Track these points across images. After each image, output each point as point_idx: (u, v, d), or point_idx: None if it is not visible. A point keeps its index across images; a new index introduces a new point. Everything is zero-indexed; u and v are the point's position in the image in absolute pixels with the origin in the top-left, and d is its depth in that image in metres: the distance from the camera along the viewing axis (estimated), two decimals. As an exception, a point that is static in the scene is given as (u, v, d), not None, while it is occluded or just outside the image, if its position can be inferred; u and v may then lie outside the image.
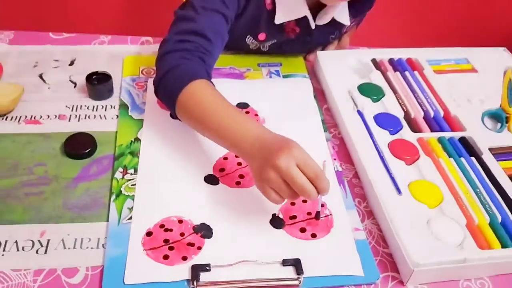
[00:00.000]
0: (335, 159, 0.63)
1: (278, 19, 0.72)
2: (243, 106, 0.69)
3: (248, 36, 0.76)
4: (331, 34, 0.80)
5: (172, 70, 0.60)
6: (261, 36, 0.75)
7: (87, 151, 0.61)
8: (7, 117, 0.65)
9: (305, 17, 0.72)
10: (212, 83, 0.60)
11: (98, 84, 0.68)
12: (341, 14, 0.75)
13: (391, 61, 0.79)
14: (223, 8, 0.66)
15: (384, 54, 0.80)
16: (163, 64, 0.61)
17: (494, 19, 1.59)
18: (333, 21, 0.75)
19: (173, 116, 0.63)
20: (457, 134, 0.66)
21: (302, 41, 0.77)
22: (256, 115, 0.68)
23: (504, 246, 0.52)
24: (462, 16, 1.59)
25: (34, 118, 0.65)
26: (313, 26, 0.74)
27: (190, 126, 0.61)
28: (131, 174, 0.58)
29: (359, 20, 0.86)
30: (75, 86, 0.71)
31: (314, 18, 0.74)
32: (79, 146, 0.61)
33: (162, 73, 0.60)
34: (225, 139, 0.55)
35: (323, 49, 0.82)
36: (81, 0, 1.26)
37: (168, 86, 0.60)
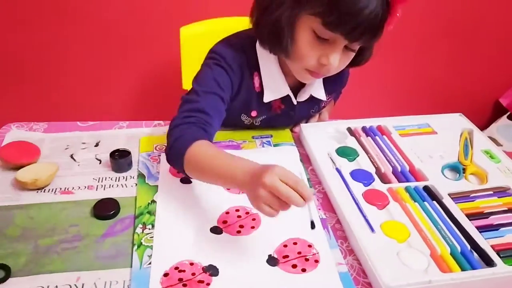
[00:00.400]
0: (319, 209, 0.75)
1: (266, 99, 0.88)
2: (240, 170, 0.83)
3: (243, 114, 0.92)
4: (311, 108, 0.96)
5: (179, 138, 0.74)
6: (253, 113, 0.91)
7: (112, 212, 0.73)
8: (45, 190, 0.78)
9: (288, 95, 0.89)
10: (211, 143, 0.74)
11: (120, 158, 0.82)
12: (318, 91, 0.92)
13: (363, 128, 0.93)
14: (219, 91, 0.81)
15: (358, 123, 0.95)
16: (172, 134, 0.76)
17: (452, 89, 1.80)
18: (312, 97, 0.91)
19: (183, 177, 0.76)
20: (421, 184, 0.78)
21: (287, 115, 0.93)
22: (252, 177, 0.81)
23: (463, 270, 0.63)
24: (424, 87, 1.79)
25: (67, 189, 0.78)
26: (295, 103, 0.90)
27: (196, 178, 0.74)
28: (149, 229, 0.70)
29: (336, 96, 1.03)
30: (100, 163, 0.85)
31: (296, 96, 0.90)
32: (105, 209, 0.73)
33: (172, 141, 0.75)
34: (224, 181, 0.69)
35: (306, 122, 0.97)
36: (102, 94, 1.46)
37: (176, 150, 0.73)
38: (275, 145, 0.91)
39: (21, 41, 1.52)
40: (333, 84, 0.94)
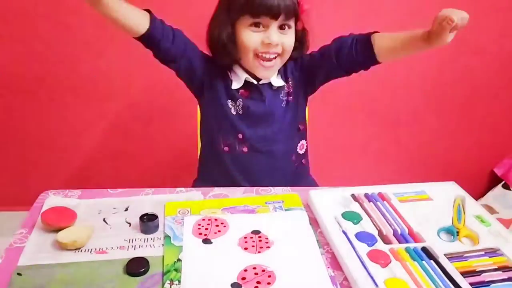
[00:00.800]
0: (328, 268, 0.84)
1: (234, 86, 1.16)
2: (256, 232, 0.92)
3: (227, 100, 1.17)
4: (279, 94, 1.19)
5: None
6: (232, 97, 1.16)
7: (142, 270, 0.82)
8: (82, 250, 0.87)
9: (248, 82, 1.15)
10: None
11: (148, 221, 0.92)
12: (274, 80, 1.18)
13: (366, 195, 1.04)
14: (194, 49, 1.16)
15: (361, 190, 1.05)
16: None
17: (450, 160, 1.92)
18: (276, 87, 1.18)
19: (204, 238, 0.86)
20: (419, 245, 0.87)
21: (259, 100, 1.16)
22: (267, 238, 0.91)
23: (459, 322, 0.70)
24: (422, 158, 1.92)
25: (102, 249, 0.87)
26: (254, 82, 1.16)
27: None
28: (176, 284, 0.78)
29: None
30: (130, 225, 0.94)
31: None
32: (137, 267, 0.82)
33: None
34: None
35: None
36: (131, 164, 1.61)
37: None
38: (286, 210, 1.01)
39: (50, 119, 1.68)
40: (285, 72, 1.20)
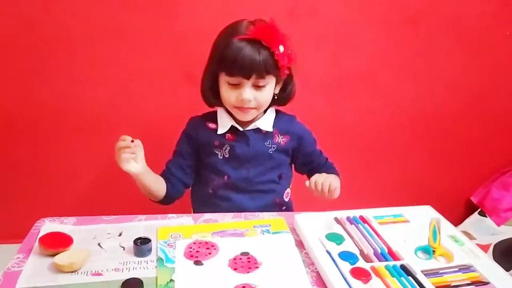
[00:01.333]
0: (313, 285, 0.89)
1: (220, 131, 1.25)
2: (245, 254, 0.97)
3: (213, 149, 1.25)
4: (265, 141, 1.26)
5: None
6: (216, 143, 1.25)
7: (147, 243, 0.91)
8: (78, 272, 0.90)
9: (235, 128, 1.23)
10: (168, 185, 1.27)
11: (141, 245, 0.96)
12: (263, 123, 1.25)
13: (348, 218, 1.10)
14: (182, 150, 1.30)
15: (343, 214, 1.11)
16: None
17: (428, 188, 2.00)
18: (263, 131, 1.25)
19: (195, 260, 0.91)
20: (398, 262, 0.93)
21: (244, 144, 1.23)
22: (255, 259, 0.95)
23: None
24: (401, 186, 2.00)
25: (97, 271, 0.91)
26: (240, 129, 1.23)
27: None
28: (170, 303, 0.83)
29: (329, 166, 1.36)
30: (124, 249, 0.98)
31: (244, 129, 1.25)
32: (132, 287, 0.86)
33: None
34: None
35: (308, 175, 1.31)
36: (123, 193, 1.65)
37: None
38: (273, 233, 1.06)
39: (47, 150, 1.74)
40: (285, 126, 1.29)
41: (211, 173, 1.29)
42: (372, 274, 0.89)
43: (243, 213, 1.15)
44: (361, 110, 1.89)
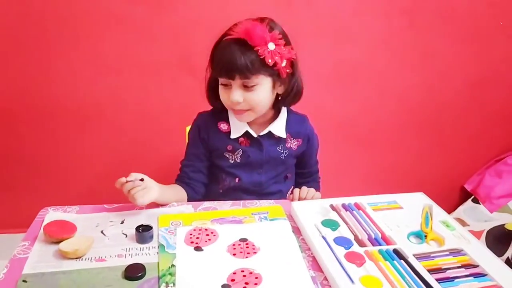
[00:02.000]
0: (310, 269, 0.92)
1: (233, 135, 1.24)
2: (244, 240, 1.00)
3: (225, 152, 1.25)
4: (277, 146, 1.27)
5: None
6: (229, 147, 1.24)
7: (140, 274, 0.89)
8: (82, 258, 0.94)
9: (249, 132, 1.23)
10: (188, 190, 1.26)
11: (143, 231, 0.99)
12: (276, 129, 1.25)
13: (343, 205, 1.13)
14: (195, 149, 1.28)
15: (338, 201, 1.14)
16: None
17: (423, 176, 2.04)
18: (276, 137, 1.26)
19: (196, 246, 0.95)
20: (391, 247, 0.97)
21: (257, 149, 1.23)
22: (253, 245, 0.99)
23: (426, 311, 0.79)
24: (397, 175, 2.04)
25: (101, 257, 0.94)
26: (254, 135, 1.23)
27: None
28: (171, 286, 0.86)
29: (315, 179, 1.33)
30: (126, 236, 1.02)
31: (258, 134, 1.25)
32: (134, 272, 0.89)
33: None
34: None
35: (296, 186, 1.27)
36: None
37: None
38: (271, 220, 1.09)
39: (49, 142, 1.76)
40: (297, 129, 1.29)
41: (222, 173, 1.29)
42: (366, 258, 0.92)
43: (241, 201, 1.18)
44: (358, 100, 1.92)
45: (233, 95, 1.13)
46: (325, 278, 0.90)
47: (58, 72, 1.68)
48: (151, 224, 1.02)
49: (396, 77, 1.91)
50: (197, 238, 1.01)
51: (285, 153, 1.28)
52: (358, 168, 2.03)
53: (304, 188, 1.23)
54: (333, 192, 1.24)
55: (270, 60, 1.09)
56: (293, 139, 1.29)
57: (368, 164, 2.04)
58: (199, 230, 1.04)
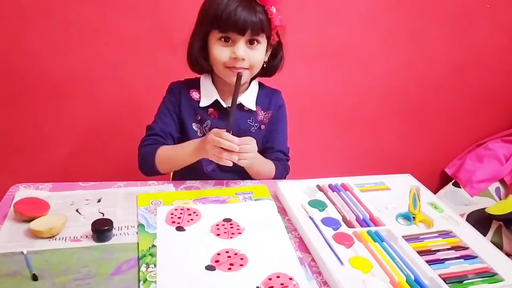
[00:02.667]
0: (297, 250, 0.89)
1: (202, 103, 1.19)
2: (227, 220, 0.96)
3: (193, 124, 1.20)
4: (248, 119, 1.22)
5: (146, 153, 1.15)
6: (198, 117, 1.20)
7: (106, 228, 0.88)
8: (56, 238, 0.88)
9: (219, 103, 1.18)
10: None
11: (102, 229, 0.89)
12: (247, 100, 1.21)
13: (330, 185, 1.10)
14: (168, 113, 1.20)
15: (325, 181, 1.11)
16: (140, 153, 1.17)
17: (404, 160, 2.04)
18: (246, 109, 1.21)
19: (177, 226, 0.89)
20: (379, 228, 0.94)
21: (226, 122, 1.13)
22: (238, 225, 0.95)
23: (416, 293, 0.77)
24: (379, 159, 2.03)
25: (76, 237, 0.89)
26: (224, 106, 1.19)
27: (169, 168, 1.15)
28: (152, 267, 0.81)
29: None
30: (103, 216, 0.96)
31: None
32: (102, 225, 0.88)
33: (141, 157, 1.16)
34: (189, 154, 1.09)
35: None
36: (101, 156, 1.62)
37: (147, 160, 1.14)
38: (255, 200, 1.05)
39: (20, 116, 1.67)
40: (267, 102, 1.25)
41: None
42: (355, 239, 0.90)
43: (224, 181, 1.13)
44: (342, 80, 1.88)
45: (239, 50, 1.08)
46: (313, 260, 0.87)
47: (29, 44, 1.59)
48: (128, 204, 0.96)
49: (380, 58, 1.88)
50: (179, 218, 0.96)
51: (256, 126, 1.23)
52: (338, 149, 2.01)
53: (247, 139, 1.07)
54: (315, 172, 1.21)
55: (277, 23, 1.09)
56: (263, 112, 1.24)
57: (349, 145, 2.02)
58: (181, 209, 0.99)
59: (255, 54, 1.11)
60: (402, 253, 0.87)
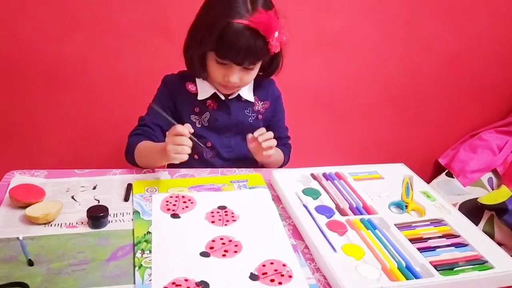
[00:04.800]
0: (290, 238, 0.90)
1: (200, 97, 1.18)
2: (222, 207, 0.97)
3: (191, 115, 1.19)
4: (245, 109, 1.22)
5: (128, 146, 1.15)
6: (196, 109, 1.19)
7: (102, 214, 0.88)
8: (51, 224, 0.88)
9: (217, 95, 1.18)
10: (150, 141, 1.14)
11: (98, 215, 0.89)
12: (245, 93, 1.21)
13: (324, 174, 1.11)
14: (161, 101, 1.19)
15: (319, 170, 1.12)
16: (128, 142, 1.16)
17: (398, 150, 2.05)
18: (244, 100, 1.21)
19: (172, 213, 0.91)
20: (372, 216, 0.95)
21: (225, 113, 1.19)
22: (232, 213, 0.96)
23: (408, 279, 0.78)
24: (373, 149, 2.04)
25: (71, 224, 0.89)
26: (222, 98, 1.19)
27: (146, 166, 1.12)
28: (147, 254, 0.82)
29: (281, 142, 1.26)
30: (98, 202, 0.97)
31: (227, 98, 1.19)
32: (97, 211, 0.88)
33: (125, 149, 1.15)
34: (157, 159, 1.06)
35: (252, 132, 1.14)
36: (97, 144, 1.61)
37: (129, 154, 1.14)
38: (250, 188, 1.06)
39: (15, 103, 1.67)
40: (264, 92, 1.26)
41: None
42: (348, 227, 0.91)
43: (219, 169, 1.14)
44: (337, 71, 1.89)
45: (233, 77, 1.09)
46: (306, 247, 0.88)
47: (24, 32, 1.58)
48: (123, 192, 0.97)
49: (375, 49, 1.88)
50: (174, 205, 0.97)
51: (253, 116, 1.24)
52: (334, 139, 2.02)
53: (268, 133, 1.11)
54: (309, 162, 1.21)
55: (276, 50, 1.06)
56: (261, 102, 1.25)
57: (344, 135, 2.03)
58: (176, 197, 1.00)
59: (249, 77, 1.13)
60: (394, 240, 0.88)
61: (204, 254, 0.83)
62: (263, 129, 1.11)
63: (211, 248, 0.85)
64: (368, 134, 2.04)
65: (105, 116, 1.73)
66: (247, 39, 1.02)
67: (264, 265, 0.81)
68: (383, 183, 1.10)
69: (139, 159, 1.12)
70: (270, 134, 1.11)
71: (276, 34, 1.04)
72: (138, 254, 0.81)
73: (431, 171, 2.18)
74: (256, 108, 1.25)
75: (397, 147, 2.08)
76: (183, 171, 1.12)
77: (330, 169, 1.13)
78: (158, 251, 0.83)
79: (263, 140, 1.08)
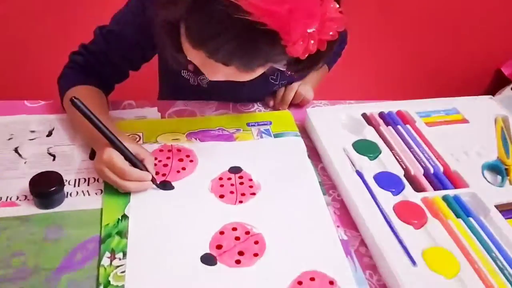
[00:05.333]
0: (338, 226, 0.59)
1: None
2: (235, 170, 0.66)
3: (183, 70, 0.77)
4: (271, 74, 0.78)
5: (60, 86, 0.72)
6: (190, 67, 0.72)
7: (53, 189, 0.57)
8: (-22, 200, 0.59)
9: None
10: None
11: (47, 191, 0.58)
12: None
13: (381, 115, 0.77)
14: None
15: (373, 108, 0.78)
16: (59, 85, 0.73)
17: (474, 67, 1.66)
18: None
19: (161, 181, 0.62)
20: (461, 191, 0.63)
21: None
22: (250, 179, 0.64)
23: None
24: (442, 65, 1.64)
25: (10, 199, 0.59)
26: None
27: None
28: (120, 259, 0.53)
29: (330, 59, 0.85)
30: (54, 159, 0.66)
31: None
32: (44, 184, 0.57)
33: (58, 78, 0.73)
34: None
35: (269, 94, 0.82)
36: (57, 65, 1.24)
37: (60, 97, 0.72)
38: (275, 135, 0.73)
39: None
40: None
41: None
42: (427, 213, 0.59)
43: (231, 104, 0.80)
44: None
45: (215, 77, 0.59)
46: (362, 243, 0.58)
47: None
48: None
49: None
50: (165, 165, 0.66)
51: (281, 84, 0.81)
52: (378, 63, 1.60)
53: (291, 86, 0.81)
54: (352, 96, 0.86)
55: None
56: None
57: (392, 55, 1.61)
58: (168, 151, 0.68)
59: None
60: (498, 235, 0.57)
61: (208, 259, 0.54)
62: (281, 91, 0.80)
63: (219, 247, 0.55)
64: (419, 43, 1.61)
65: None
66: (258, 44, 0.53)
67: (300, 282, 0.52)
68: (468, 129, 0.76)
69: (68, 113, 0.72)
70: (290, 94, 0.79)
71: None
72: (105, 260, 0.52)
73: (491, 82, 1.79)
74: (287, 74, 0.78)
75: (454, 57, 1.66)
76: (179, 104, 0.79)
77: (389, 106, 0.79)
78: (136, 255, 0.53)
79: (285, 106, 0.80)
